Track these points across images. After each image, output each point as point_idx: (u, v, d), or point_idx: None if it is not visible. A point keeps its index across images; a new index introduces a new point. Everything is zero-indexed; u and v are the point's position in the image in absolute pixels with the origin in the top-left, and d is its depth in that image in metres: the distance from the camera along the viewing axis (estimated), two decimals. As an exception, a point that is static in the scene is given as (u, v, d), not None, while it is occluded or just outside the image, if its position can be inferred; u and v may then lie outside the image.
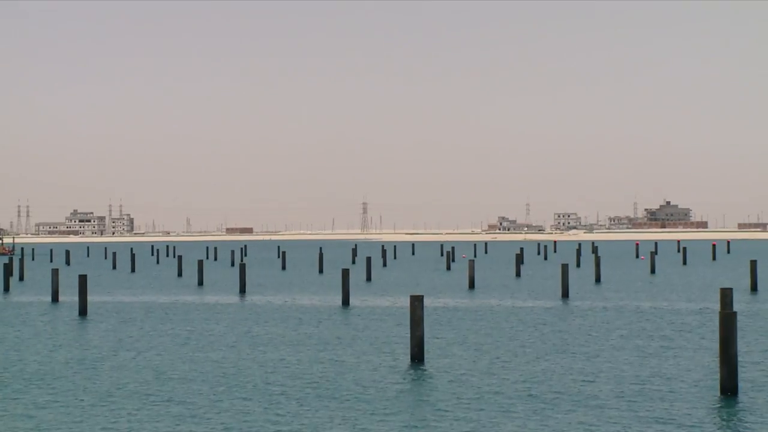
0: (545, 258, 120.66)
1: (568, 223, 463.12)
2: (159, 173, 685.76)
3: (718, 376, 23.54)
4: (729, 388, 22.21)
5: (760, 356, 28.78)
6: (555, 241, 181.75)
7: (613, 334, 35.14)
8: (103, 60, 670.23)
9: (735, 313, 21.93)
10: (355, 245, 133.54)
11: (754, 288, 57.26)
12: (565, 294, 52.76)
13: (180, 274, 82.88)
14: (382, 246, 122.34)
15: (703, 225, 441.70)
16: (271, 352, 31.02)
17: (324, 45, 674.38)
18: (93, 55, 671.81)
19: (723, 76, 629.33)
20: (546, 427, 19.47)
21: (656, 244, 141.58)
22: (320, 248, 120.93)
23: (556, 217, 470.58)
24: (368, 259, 75.85)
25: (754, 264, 58.46)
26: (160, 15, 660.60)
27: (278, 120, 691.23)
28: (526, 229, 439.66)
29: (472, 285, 62.50)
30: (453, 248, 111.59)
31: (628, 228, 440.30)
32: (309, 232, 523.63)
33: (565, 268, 53.48)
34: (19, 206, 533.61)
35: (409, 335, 30.70)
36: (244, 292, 59.67)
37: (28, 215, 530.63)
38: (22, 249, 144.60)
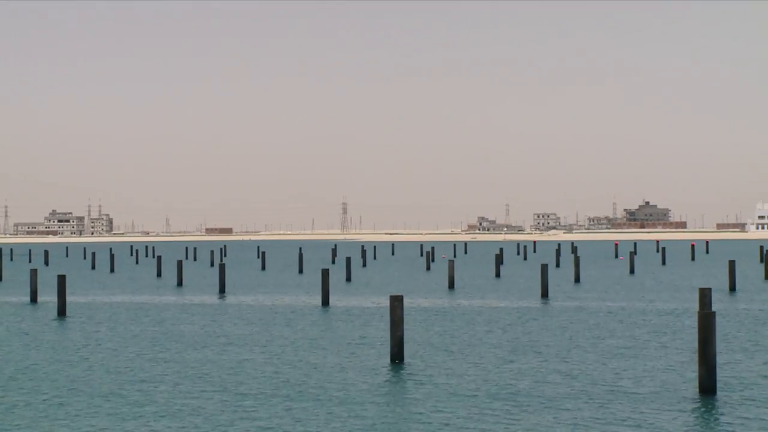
0: (525, 258, 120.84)
1: (548, 223, 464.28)
2: (138, 173, 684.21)
3: (696, 375, 23.59)
4: (708, 387, 22.27)
5: (738, 356, 28.87)
6: (534, 242, 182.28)
7: (591, 334, 35.18)
8: (82, 60, 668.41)
9: (714, 313, 21.99)
10: (335, 245, 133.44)
11: (732, 288, 57.47)
12: (545, 294, 52.83)
13: (159, 275, 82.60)
14: (362, 246, 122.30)
15: (682, 225, 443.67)
16: (248, 353, 30.92)
17: (303, 45, 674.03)
18: (72, 55, 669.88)
19: (702, 77, 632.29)
20: (524, 427, 19.44)
21: (635, 244, 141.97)
22: (300, 248, 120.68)
23: (536, 217, 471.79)
24: (348, 260, 75.76)
25: (732, 264, 58.68)
26: (137, 15, 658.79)
27: (258, 120, 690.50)
28: (505, 229, 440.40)
29: (451, 285, 62.50)
30: (433, 248, 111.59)
31: (607, 228, 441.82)
32: (288, 232, 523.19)
33: (544, 268, 53.54)
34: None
35: (389, 335, 30.65)
36: (224, 292, 59.51)
37: (6, 215, 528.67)
38: (1, 249, 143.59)
